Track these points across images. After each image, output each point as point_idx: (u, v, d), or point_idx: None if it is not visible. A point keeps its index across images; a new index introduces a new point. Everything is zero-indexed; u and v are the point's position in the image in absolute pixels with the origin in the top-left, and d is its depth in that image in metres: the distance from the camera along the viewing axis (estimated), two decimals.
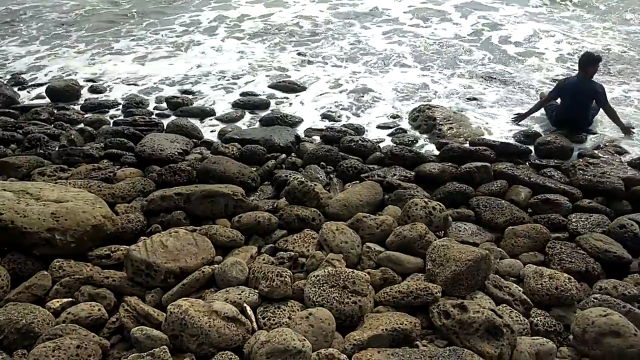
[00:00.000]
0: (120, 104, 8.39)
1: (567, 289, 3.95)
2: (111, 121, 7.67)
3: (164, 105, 8.28)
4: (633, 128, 6.96)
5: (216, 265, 4.15)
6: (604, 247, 4.49)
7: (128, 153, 6.31)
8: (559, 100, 7.10)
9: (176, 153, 6.21)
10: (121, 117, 7.82)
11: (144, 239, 4.29)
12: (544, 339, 3.63)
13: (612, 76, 8.96)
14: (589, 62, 6.69)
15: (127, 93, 8.81)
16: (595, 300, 3.90)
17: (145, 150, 6.14)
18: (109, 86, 9.13)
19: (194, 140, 6.98)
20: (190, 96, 8.52)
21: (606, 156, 6.24)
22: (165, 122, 7.45)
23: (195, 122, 7.61)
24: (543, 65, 9.59)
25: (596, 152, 6.38)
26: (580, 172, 5.68)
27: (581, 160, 6.06)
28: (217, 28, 12.23)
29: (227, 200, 4.93)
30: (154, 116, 7.84)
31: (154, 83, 9.24)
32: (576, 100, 6.76)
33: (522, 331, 3.75)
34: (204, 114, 7.93)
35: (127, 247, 4.26)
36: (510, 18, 12.16)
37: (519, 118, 7.37)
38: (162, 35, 11.90)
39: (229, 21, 12.63)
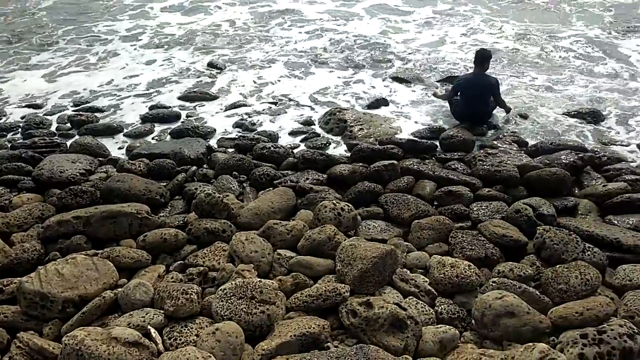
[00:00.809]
0: (19, 126, 7.89)
1: (467, 276, 4.14)
2: (9, 145, 7.19)
3: (69, 124, 7.87)
4: (511, 109, 7.53)
5: (119, 289, 4.00)
6: (502, 232, 4.74)
7: (26, 178, 5.95)
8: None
9: (78, 174, 5.92)
10: (20, 140, 7.35)
11: (39, 269, 4.05)
12: (447, 326, 3.78)
13: (504, 69, 9.51)
14: (483, 58, 7.06)
15: (29, 113, 8.31)
16: (493, 284, 4.10)
17: (44, 174, 5.81)
18: (8, 105, 8.56)
19: (100, 158, 6.69)
20: (98, 114, 8.14)
21: (504, 146, 6.60)
22: (70, 142, 7.09)
23: (103, 140, 7.30)
24: (450, 60, 10.01)
25: (495, 142, 6.73)
26: (480, 162, 5.98)
27: (481, 151, 6.38)
28: (133, 38, 11.83)
29: (131, 219, 4.76)
30: (56, 137, 7.44)
31: (60, 99, 8.80)
32: (474, 94, 7.11)
33: (427, 321, 3.89)
34: (111, 130, 7.62)
35: (20, 279, 4.00)
36: (417, 19, 12.61)
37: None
38: (75, 46, 11.38)
39: (146, 30, 12.26)
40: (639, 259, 4.51)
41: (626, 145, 6.85)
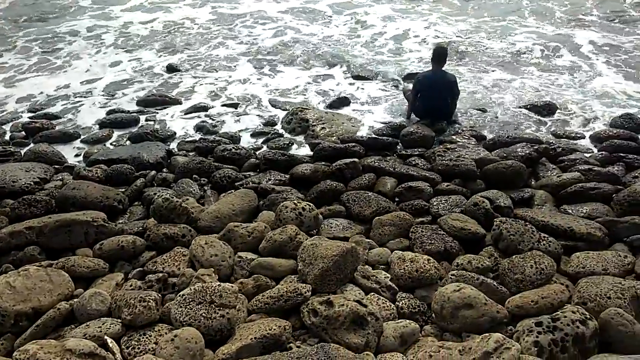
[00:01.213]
0: None
1: (426, 270, 4.19)
2: None
3: (23, 132, 7.63)
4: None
5: (75, 300, 3.90)
6: (460, 225, 4.82)
7: None
8: None
9: (32, 183, 5.75)
10: None
11: None
12: (408, 321, 3.82)
13: (459, 65, 9.68)
14: (440, 55, 7.15)
15: None
16: (452, 277, 4.16)
17: None
18: None
19: (56, 166, 6.51)
20: (55, 120, 7.92)
21: (463, 141, 6.72)
22: (24, 150, 6.88)
23: (59, 147, 7.11)
24: (413, 58, 10.12)
25: (454, 137, 6.84)
26: (439, 158, 6.07)
27: (440, 146, 6.47)
28: (93, 40, 11.57)
29: (87, 228, 4.65)
30: (10, 146, 7.20)
31: (17, 104, 8.56)
32: (434, 91, 7.18)
33: (389, 316, 3.92)
34: (68, 137, 7.42)
35: None
36: (381, 16, 12.71)
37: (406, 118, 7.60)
38: (34, 49, 11.06)
39: (107, 32, 12.00)
40: (592, 247, 4.66)
41: (580, 137, 7.05)
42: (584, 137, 7.07)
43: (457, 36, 11.24)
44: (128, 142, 7.24)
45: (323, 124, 7.46)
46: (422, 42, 11.02)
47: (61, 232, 4.59)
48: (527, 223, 4.74)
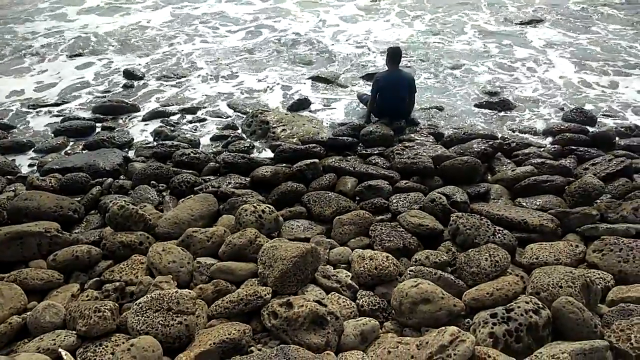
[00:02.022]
0: None
1: (385, 267, 4.24)
2: None
3: None
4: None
5: (28, 313, 3.79)
6: (419, 221, 4.90)
7: None
8: None
9: None
10: None
11: None
12: (368, 318, 3.85)
13: (417, 63, 9.85)
14: (395, 55, 7.24)
15: None
16: (411, 273, 4.22)
17: None
18: None
19: (8, 177, 6.30)
20: (6, 129, 7.66)
21: (421, 139, 6.83)
22: None
23: (12, 157, 6.90)
24: (370, 60, 10.22)
25: (413, 136, 6.94)
26: (398, 156, 6.14)
27: (399, 145, 6.55)
28: (49, 44, 11.27)
29: (40, 239, 4.52)
30: None
31: None
32: (392, 91, 7.24)
33: (349, 315, 3.95)
34: (20, 146, 7.19)
35: None
36: (345, 16, 12.82)
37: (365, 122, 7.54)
38: None
39: (62, 36, 11.69)
40: (546, 238, 4.80)
41: (534, 132, 7.26)
42: (537, 132, 7.28)
43: (413, 35, 11.43)
44: (84, 150, 7.07)
45: (284, 125, 7.45)
46: (380, 40, 11.15)
47: (13, 244, 4.44)
48: (483, 217, 4.86)
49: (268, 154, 6.91)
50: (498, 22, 12.12)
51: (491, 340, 3.46)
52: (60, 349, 3.43)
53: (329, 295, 4.14)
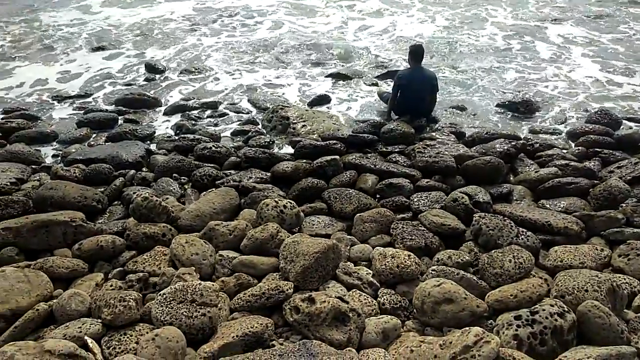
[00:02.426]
0: None
1: (407, 266, 4.22)
2: None
3: None
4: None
5: (54, 301, 3.84)
6: (440, 221, 4.87)
7: None
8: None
9: (9, 183, 5.63)
10: None
11: None
12: (390, 316, 3.84)
13: (439, 61, 9.77)
14: (418, 53, 7.18)
15: None
16: (433, 272, 4.20)
17: None
18: None
19: (33, 166, 6.39)
20: (31, 120, 7.77)
21: (442, 137, 6.77)
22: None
23: (36, 147, 7.00)
24: (390, 58, 10.18)
25: (434, 134, 6.89)
26: (419, 154, 6.11)
27: (420, 143, 6.51)
28: (73, 35, 11.41)
29: (65, 227, 4.58)
30: None
31: None
32: (414, 89, 7.18)
33: (370, 312, 3.94)
34: (45, 137, 7.28)
35: None
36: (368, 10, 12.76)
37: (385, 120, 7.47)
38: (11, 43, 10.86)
39: (86, 27, 11.81)
40: (570, 241, 4.74)
41: (558, 133, 7.17)
42: (561, 133, 7.19)
43: (435, 31, 11.35)
44: (106, 142, 7.13)
45: (304, 121, 7.45)
46: (400, 39, 11.09)
47: (39, 233, 4.51)
48: (506, 218, 4.81)
49: (288, 149, 6.91)
50: (519, 18, 11.95)
51: (515, 342, 3.44)
52: (86, 337, 3.47)
53: (350, 292, 4.14)
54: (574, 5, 12.69)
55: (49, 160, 6.75)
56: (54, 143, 7.26)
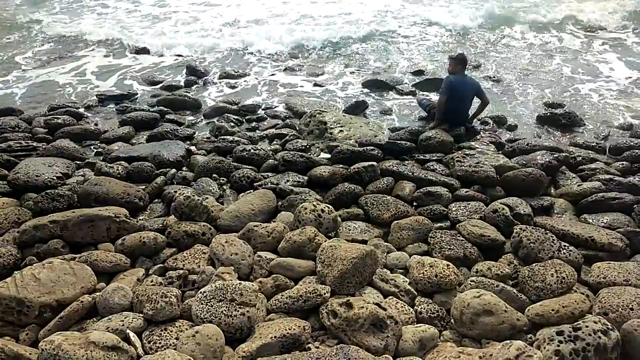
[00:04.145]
0: None
1: (446, 275, 4.18)
2: None
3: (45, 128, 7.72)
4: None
5: (97, 294, 3.95)
6: (480, 231, 4.81)
7: (1, 182, 5.83)
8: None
9: (55, 178, 5.83)
10: None
11: (15, 274, 3.98)
12: (427, 325, 3.81)
13: (476, 72, 9.66)
14: (463, 61, 7.13)
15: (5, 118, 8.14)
16: (472, 283, 4.15)
17: (20, 178, 5.70)
18: None
19: (77, 162, 6.59)
20: (76, 117, 8.02)
21: (482, 147, 6.70)
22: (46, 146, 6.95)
23: (82, 144, 7.20)
24: (425, 65, 10.13)
25: (473, 144, 6.82)
26: (458, 163, 6.05)
27: (459, 152, 6.45)
28: (113, 37, 11.81)
29: (109, 223, 4.71)
30: (32, 140, 7.28)
31: (31, 103, 8.64)
32: (459, 97, 7.10)
33: (407, 320, 3.92)
34: (89, 134, 7.50)
35: None
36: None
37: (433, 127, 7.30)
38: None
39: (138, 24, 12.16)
40: (613, 257, 4.62)
41: (600, 148, 6.97)
42: (604, 147, 6.98)
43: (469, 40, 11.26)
44: (147, 141, 7.30)
45: (341, 127, 7.47)
46: (439, 45, 11.03)
47: (84, 227, 4.65)
48: (547, 231, 4.73)
49: (325, 154, 6.94)
50: (565, 27, 11.73)
51: (557, 358, 3.35)
52: (128, 330, 3.56)
53: (387, 299, 4.12)
54: (627, 13, 12.36)
55: (92, 157, 6.94)
56: (98, 140, 7.45)
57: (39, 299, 3.75)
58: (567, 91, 8.78)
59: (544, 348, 3.45)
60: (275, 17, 13.01)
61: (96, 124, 7.94)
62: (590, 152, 6.77)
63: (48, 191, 5.33)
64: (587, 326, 3.51)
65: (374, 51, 10.77)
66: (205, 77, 9.72)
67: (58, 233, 4.62)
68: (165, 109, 8.26)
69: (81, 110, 8.33)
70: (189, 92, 9.00)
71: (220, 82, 9.53)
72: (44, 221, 4.66)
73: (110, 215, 4.73)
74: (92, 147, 7.18)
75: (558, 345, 3.42)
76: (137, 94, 9.01)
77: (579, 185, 5.68)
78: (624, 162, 6.35)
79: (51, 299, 3.81)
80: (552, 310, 3.82)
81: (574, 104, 8.27)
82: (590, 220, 5.21)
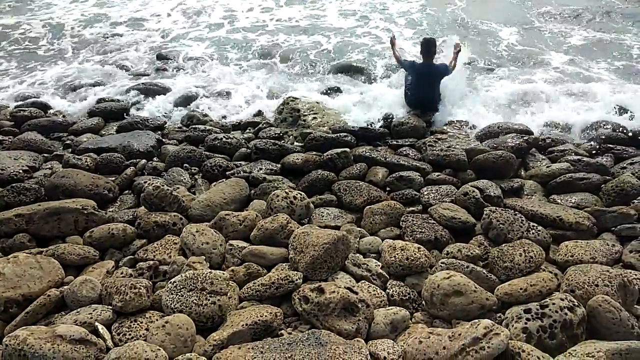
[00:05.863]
0: None
1: (417, 258, 4.22)
2: None
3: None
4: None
5: (65, 287, 3.88)
6: (451, 214, 4.85)
7: None
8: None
9: (21, 171, 5.70)
10: None
11: None
12: (398, 308, 3.85)
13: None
14: (429, 46, 7.12)
15: None
16: (442, 265, 4.19)
17: None
18: None
19: (45, 155, 6.45)
20: (44, 110, 7.82)
21: (454, 131, 6.74)
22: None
23: (49, 136, 7.04)
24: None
25: (445, 128, 6.86)
26: (430, 148, 6.08)
27: (431, 137, 6.48)
28: (85, 25, 11.55)
29: (77, 215, 4.62)
30: None
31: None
32: (423, 83, 7.13)
33: (379, 303, 3.95)
34: (57, 126, 7.33)
35: None
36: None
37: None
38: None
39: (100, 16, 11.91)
40: (581, 236, 4.71)
41: (570, 128, 7.06)
42: (572, 128, 7.05)
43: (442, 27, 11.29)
44: (117, 131, 7.17)
45: (314, 114, 7.43)
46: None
47: (51, 220, 4.55)
48: (517, 212, 4.79)
49: (298, 142, 6.90)
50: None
51: (524, 335, 3.43)
52: (96, 323, 3.51)
53: (359, 283, 4.14)
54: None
55: (60, 149, 6.78)
56: (66, 132, 7.29)
57: (3, 294, 3.68)
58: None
59: (512, 326, 3.52)
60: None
61: (64, 116, 7.76)
62: (560, 133, 6.84)
63: (14, 185, 5.21)
64: (554, 303, 3.59)
65: (352, 38, 10.72)
66: (176, 64, 9.56)
67: (24, 227, 4.53)
68: (135, 98, 8.10)
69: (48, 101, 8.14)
70: (159, 80, 8.83)
71: (191, 69, 9.41)
72: (9, 215, 4.56)
73: (78, 207, 4.64)
74: (60, 139, 7.01)
75: (526, 323, 3.49)
76: (105, 84, 8.80)
77: (548, 167, 5.76)
78: (592, 143, 6.45)
79: (17, 294, 3.74)
80: (521, 289, 3.89)
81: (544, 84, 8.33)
82: (559, 201, 5.30)
